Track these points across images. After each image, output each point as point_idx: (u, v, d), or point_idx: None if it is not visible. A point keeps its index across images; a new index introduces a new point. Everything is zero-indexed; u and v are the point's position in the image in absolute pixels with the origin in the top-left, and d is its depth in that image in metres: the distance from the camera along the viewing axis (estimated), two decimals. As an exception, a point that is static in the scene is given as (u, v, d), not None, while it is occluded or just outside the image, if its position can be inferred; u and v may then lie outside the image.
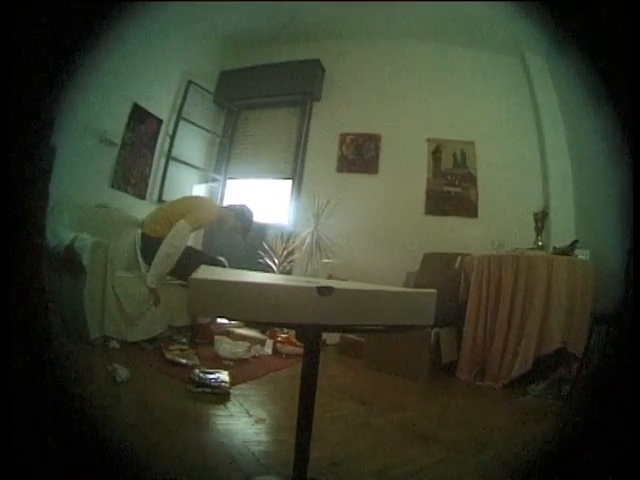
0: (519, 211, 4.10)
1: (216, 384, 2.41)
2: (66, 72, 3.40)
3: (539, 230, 3.78)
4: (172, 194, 5.27)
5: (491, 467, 1.64)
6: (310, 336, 1.24)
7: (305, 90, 5.45)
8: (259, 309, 0.92)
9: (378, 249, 4.77)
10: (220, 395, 2.35)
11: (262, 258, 4.82)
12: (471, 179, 4.80)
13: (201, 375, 2.48)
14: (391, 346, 3.40)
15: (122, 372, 2.34)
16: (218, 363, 2.98)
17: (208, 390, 2.36)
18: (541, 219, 3.79)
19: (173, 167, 5.37)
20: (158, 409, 2.07)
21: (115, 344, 3.04)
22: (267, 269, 4.75)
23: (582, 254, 3.44)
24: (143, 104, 4.79)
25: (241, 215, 3.99)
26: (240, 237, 4.12)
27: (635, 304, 1.10)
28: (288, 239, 4.89)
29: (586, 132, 3.84)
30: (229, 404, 2.27)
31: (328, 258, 4.66)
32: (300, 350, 3.53)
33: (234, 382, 2.55)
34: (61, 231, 3.33)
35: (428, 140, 4.95)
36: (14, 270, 2.23)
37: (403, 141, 5.07)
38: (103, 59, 4.02)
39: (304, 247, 4.81)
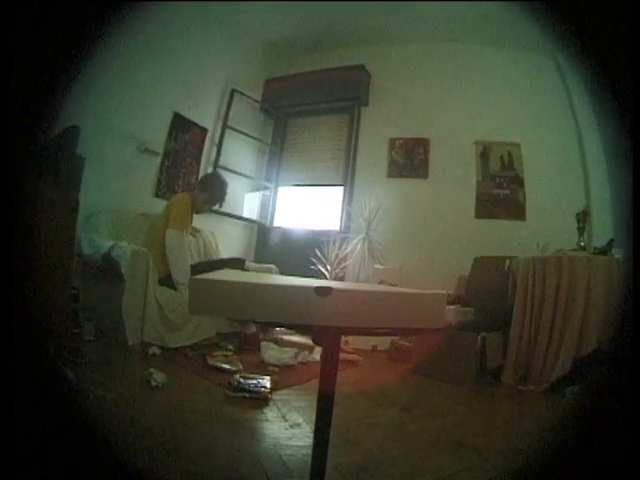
0: (565, 212, 3.96)
1: (255, 389, 2.40)
2: (97, 83, 3.49)
3: (581, 230, 3.68)
4: (227, 203, 5.36)
5: (518, 473, 1.56)
6: (328, 339, 1.21)
7: (352, 96, 5.41)
8: (257, 309, 0.91)
9: (429, 254, 4.69)
10: (258, 400, 2.33)
11: (314, 265, 4.80)
12: (518, 181, 4.70)
13: (241, 380, 2.47)
14: (437, 351, 3.33)
15: (158, 376, 2.36)
16: (262, 369, 2.96)
17: (247, 395, 2.36)
18: (582, 219, 3.69)
19: (225, 176, 5.37)
20: (190, 411, 2.09)
21: (155, 350, 3.07)
22: (319, 276, 4.75)
23: (618, 253, 3.30)
24: (185, 113, 4.84)
25: (207, 186, 4.01)
26: (218, 206, 4.16)
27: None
28: (340, 245, 4.87)
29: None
30: (266, 409, 2.25)
31: (380, 264, 4.62)
32: (349, 356, 3.55)
33: (275, 387, 2.54)
34: (97, 240, 3.38)
35: (476, 143, 4.87)
36: (38, 279, 2.31)
37: (451, 144, 4.98)
38: (140, 69, 4.13)
39: (355, 253, 4.77)
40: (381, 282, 4.20)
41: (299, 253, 4.95)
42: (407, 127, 5.21)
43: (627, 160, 0.97)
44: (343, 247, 4.85)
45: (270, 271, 4.36)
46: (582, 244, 3.65)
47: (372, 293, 0.92)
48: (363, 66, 5.35)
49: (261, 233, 5.92)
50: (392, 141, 5.27)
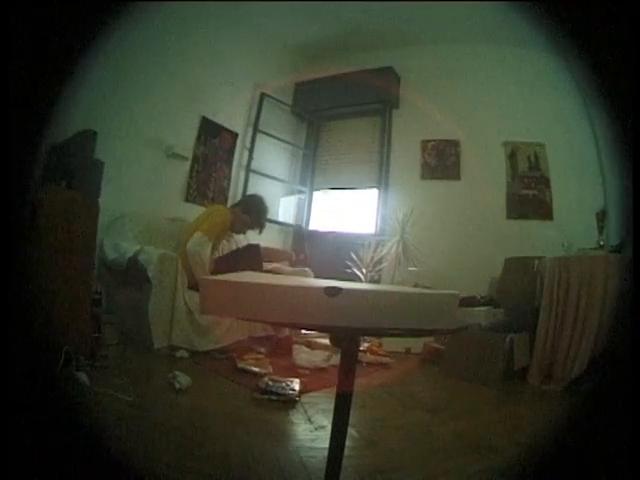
0: (589, 211, 3.90)
1: (282, 391, 2.39)
2: (122, 87, 3.52)
3: (600, 229, 3.71)
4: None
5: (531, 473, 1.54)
6: (345, 341, 1.21)
7: (382, 98, 5.41)
8: (266, 309, 0.91)
9: (463, 255, 4.66)
10: (286, 402, 2.33)
11: (350, 268, 4.80)
12: (545, 181, 4.68)
13: (269, 382, 2.47)
14: (466, 353, 3.35)
15: (182, 379, 2.36)
16: (293, 372, 2.96)
17: (274, 397, 2.35)
18: (602, 218, 3.70)
19: (255, 180, 5.43)
20: (213, 414, 2.10)
21: (183, 353, 3.09)
22: (355, 279, 4.74)
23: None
24: (213, 118, 4.87)
25: (251, 209, 3.97)
26: (258, 233, 4.10)
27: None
28: (375, 248, 4.85)
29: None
30: (293, 411, 2.25)
31: (414, 266, 4.60)
32: (381, 359, 3.54)
33: (305, 390, 2.53)
34: (122, 244, 3.41)
35: (504, 144, 4.85)
36: (55, 283, 2.36)
37: (481, 145, 4.96)
38: (166, 74, 4.17)
39: (390, 256, 4.75)
40: (415, 285, 4.20)
41: (334, 256, 4.93)
42: (438, 129, 5.16)
43: (627, 159, 0.94)
44: (378, 250, 4.83)
45: (305, 274, 4.36)
46: (601, 243, 3.67)
47: (382, 293, 0.90)
48: (391, 68, 5.35)
49: (296, 236, 5.87)
50: (424, 143, 5.26)
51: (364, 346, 3.69)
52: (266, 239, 5.21)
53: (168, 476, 1.41)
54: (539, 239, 4.34)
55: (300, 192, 6.01)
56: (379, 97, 5.41)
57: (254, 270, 3.85)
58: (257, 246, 3.99)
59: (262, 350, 3.46)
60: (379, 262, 4.80)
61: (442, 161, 5.12)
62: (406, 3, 4.45)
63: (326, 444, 1.80)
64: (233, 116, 5.15)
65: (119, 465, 1.18)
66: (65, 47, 1.20)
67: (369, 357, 3.56)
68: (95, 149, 2.98)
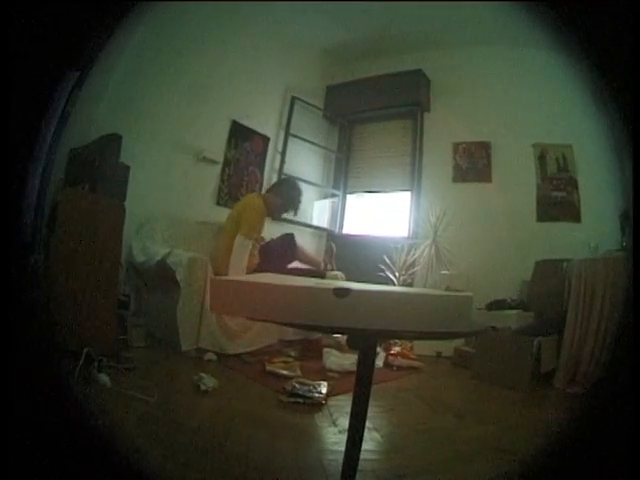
0: (614, 213, 3.82)
1: (309, 394, 2.38)
2: (149, 91, 3.54)
3: (622, 230, 3.62)
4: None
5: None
6: (363, 344, 1.19)
7: (413, 101, 5.36)
8: (275, 309, 0.90)
9: (494, 258, 4.58)
10: (312, 405, 2.32)
11: (383, 272, 4.79)
12: (573, 183, 4.60)
13: (296, 385, 2.46)
14: (495, 357, 3.32)
15: (208, 381, 2.37)
16: (322, 375, 2.95)
17: (300, 400, 2.34)
18: (623, 220, 3.61)
19: (288, 184, 5.45)
20: (237, 416, 2.11)
21: (211, 356, 3.09)
22: (388, 282, 4.73)
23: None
24: (244, 122, 4.88)
25: (282, 191, 4.02)
26: (293, 214, 4.17)
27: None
28: (408, 252, 4.82)
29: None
30: (318, 414, 2.24)
31: (446, 269, 4.57)
32: (412, 362, 3.52)
33: (332, 393, 2.51)
34: (151, 247, 3.45)
35: (533, 145, 4.76)
36: (79, 286, 2.38)
37: (511, 147, 4.88)
38: (194, 78, 4.19)
39: (423, 259, 4.73)
40: (447, 288, 4.21)
41: (368, 260, 4.92)
42: (468, 131, 5.12)
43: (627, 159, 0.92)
44: (411, 253, 4.81)
45: (336, 278, 4.35)
46: (624, 244, 3.60)
47: (393, 294, 0.88)
48: (421, 71, 5.30)
49: (330, 240, 5.88)
50: (455, 145, 5.19)
51: (395, 350, 3.66)
52: (303, 242, 5.23)
53: (184, 476, 1.42)
54: (569, 241, 4.27)
55: (334, 196, 5.99)
56: (410, 100, 5.36)
57: (290, 258, 3.97)
58: (292, 235, 4.12)
59: (292, 353, 3.48)
60: (412, 265, 4.78)
61: (473, 163, 5.06)
62: (434, 5, 4.41)
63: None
64: (264, 119, 5.16)
65: (133, 464, 1.18)
66: (84, 51, 1.21)
67: (400, 361, 3.54)
68: (123, 153, 3.03)
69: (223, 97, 4.62)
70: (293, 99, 5.40)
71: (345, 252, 5.31)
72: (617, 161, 4.16)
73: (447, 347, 4.00)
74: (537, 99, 4.76)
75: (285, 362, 3.12)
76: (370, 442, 1.90)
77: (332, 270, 4.55)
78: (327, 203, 6.00)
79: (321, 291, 0.87)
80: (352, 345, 1.19)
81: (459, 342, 3.93)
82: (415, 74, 5.29)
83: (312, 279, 1.14)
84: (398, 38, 5.24)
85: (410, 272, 4.76)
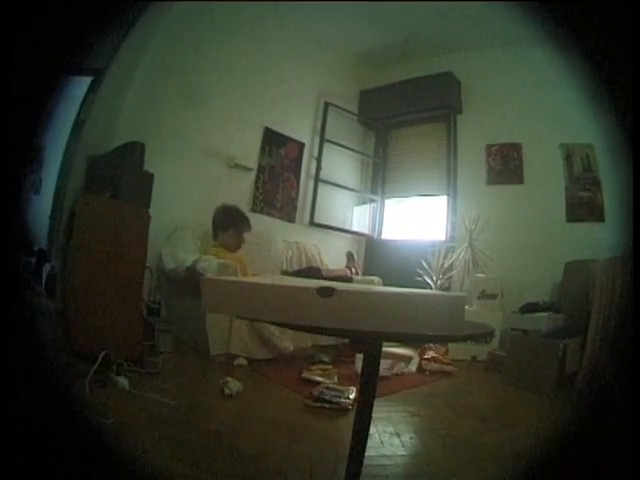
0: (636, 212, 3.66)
1: (336, 400, 2.37)
2: (179, 99, 3.57)
3: None
4: (329, 216, 5.47)
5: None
6: (366, 347, 1.18)
7: (445, 104, 5.33)
8: (262, 308, 0.91)
9: (528, 260, 4.51)
10: (338, 410, 2.31)
11: (420, 276, 4.77)
12: (597, 182, 4.51)
13: (323, 390, 2.47)
14: (523, 360, 3.27)
15: (233, 385, 2.39)
16: (354, 381, 2.87)
17: (326, 405, 2.34)
18: None
19: (327, 190, 5.47)
20: (258, 420, 2.11)
21: (242, 361, 3.10)
22: (425, 287, 4.70)
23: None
24: (278, 128, 4.91)
25: (221, 225, 3.70)
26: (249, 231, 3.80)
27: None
28: (445, 255, 4.80)
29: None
30: (342, 419, 2.23)
31: (482, 273, 4.52)
32: (444, 367, 3.49)
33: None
34: (181, 254, 3.47)
35: (560, 146, 4.68)
36: (102, 291, 2.42)
37: (540, 148, 4.81)
38: (225, 86, 4.22)
39: (458, 263, 4.72)
40: (482, 292, 4.25)
41: (406, 264, 4.91)
42: (500, 133, 5.07)
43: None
44: (448, 257, 4.78)
45: (373, 283, 4.32)
46: None
47: (378, 294, 0.86)
48: (451, 73, 5.26)
49: (369, 246, 5.93)
50: (488, 147, 5.13)
51: (429, 355, 3.63)
52: (338, 248, 5.23)
53: (189, 475, 1.44)
54: (596, 242, 4.13)
55: (372, 201, 5.98)
56: (442, 102, 5.33)
57: None
58: (318, 269, 4.15)
59: (326, 359, 3.44)
60: (449, 269, 4.76)
61: (506, 165, 5.00)
62: (463, 5, 4.36)
63: (366, 452, 1.79)
64: (298, 126, 5.18)
65: (135, 463, 1.20)
66: (96, 55, 1.23)
67: (433, 365, 3.51)
68: (151, 161, 3.08)
69: (255, 104, 4.67)
70: (326, 105, 5.41)
71: (384, 257, 5.28)
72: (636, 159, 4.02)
73: (482, 351, 3.95)
74: (562, 98, 4.67)
75: (323, 369, 3.11)
76: (389, 447, 1.89)
77: (357, 274, 4.52)
78: (366, 209, 5.99)
79: (306, 290, 0.87)
80: (354, 348, 1.17)
81: (493, 346, 3.90)
82: (445, 76, 5.26)
83: (303, 279, 1.12)
84: (428, 41, 5.20)
85: (447, 276, 4.74)
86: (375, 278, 4.55)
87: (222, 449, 1.72)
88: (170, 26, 3.74)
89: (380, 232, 5.95)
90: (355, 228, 5.86)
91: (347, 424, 2.14)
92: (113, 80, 3.42)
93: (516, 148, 4.98)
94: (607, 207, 4.42)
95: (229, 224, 3.62)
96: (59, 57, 1.09)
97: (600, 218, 4.43)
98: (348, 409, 2.32)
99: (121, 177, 2.73)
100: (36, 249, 3.47)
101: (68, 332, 2.47)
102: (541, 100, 4.78)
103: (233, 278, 0.97)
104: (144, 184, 2.83)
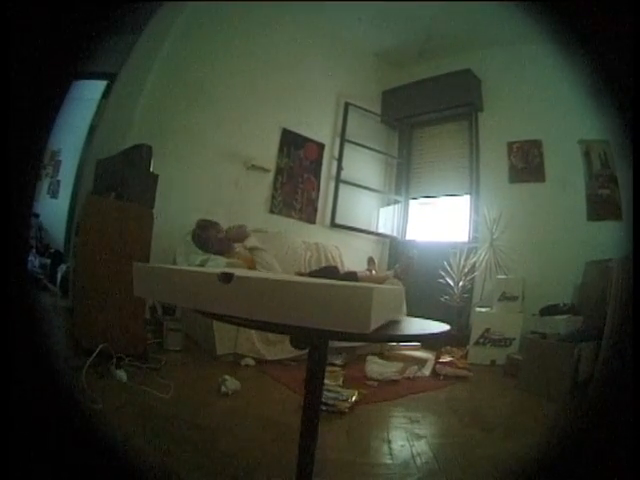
0: None
1: (332, 402, 2.33)
2: (195, 99, 3.58)
3: None
4: (353, 218, 5.43)
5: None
6: (310, 343, 1.12)
7: (466, 101, 5.23)
8: (173, 293, 0.95)
9: (549, 261, 4.38)
10: (333, 413, 2.27)
11: (442, 278, 4.73)
12: (614, 179, 4.35)
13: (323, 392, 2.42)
14: (538, 365, 3.16)
15: (230, 384, 2.39)
16: (360, 383, 2.88)
17: (323, 407, 2.29)
18: None
19: (349, 190, 5.43)
20: (246, 417, 2.13)
21: (249, 361, 3.10)
22: (447, 289, 4.71)
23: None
24: (296, 129, 4.89)
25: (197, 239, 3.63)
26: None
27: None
28: (467, 256, 4.73)
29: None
30: (335, 421, 2.19)
31: (504, 274, 4.42)
32: (461, 372, 3.40)
33: (363, 402, 2.47)
34: (193, 255, 3.46)
35: (579, 142, 4.52)
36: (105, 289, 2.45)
37: (561, 144, 4.67)
38: (242, 87, 4.22)
39: (478, 263, 4.65)
40: (503, 293, 4.16)
41: (429, 265, 4.86)
42: (520, 129, 4.95)
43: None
44: (470, 258, 4.72)
45: (388, 279, 4.29)
46: None
47: (275, 283, 0.81)
48: (470, 70, 5.15)
49: (393, 247, 5.87)
50: (510, 145, 5.01)
51: (446, 358, 3.55)
52: (361, 249, 5.18)
53: (161, 463, 1.48)
54: (616, 241, 3.95)
55: (396, 202, 5.90)
56: (463, 100, 5.24)
57: None
58: (335, 268, 4.11)
59: (338, 361, 3.40)
60: (471, 271, 4.69)
61: (528, 163, 4.89)
62: (480, 4, 4.26)
63: (349, 456, 1.75)
64: (318, 127, 5.16)
65: (120, 452, 1.24)
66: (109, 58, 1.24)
67: (447, 369, 3.42)
68: (164, 163, 3.11)
69: (273, 105, 4.66)
70: (347, 105, 5.37)
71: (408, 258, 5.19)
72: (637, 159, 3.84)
73: (502, 355, 3.85)
74: (579, 94, 4.51)
75: (331, 371, 3.06)
76: (374, 454, 1.86)
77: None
78: (392, 210, 5.92)
79: (208, 276, 0.86)
80: (295, 345, 1.11)
81: (512, 349, 3.82)
82: (465, 74, 5.16)
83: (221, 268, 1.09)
84: (448, 38, 5.12)
85: (469, 278, 4.67)
86: (390, 272, 4.52)
87: (201, 443, 1.73)
88: (184, 28, 3.77)
89: (404, 233, 5.88)
90: (381, 230, 5.81)
91: (337, 426, 2.11)
92: (126, 84, 3.48)
93: (537, 145, 4.85)
94: (623, 205, 4.25)
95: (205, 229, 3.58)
96: (70, 60, 1.10)
97: (619, 216, 4.25)
98: (344, 412, 2.28)
99: (126, 178, 2.77)
100: (52, 251, 3.57)
101: (74, 328, 2.55)
102: (559, 95, 4.62)
103: (157, 265, 0.96)
104: (149, 185, 2.87)
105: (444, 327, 1.10)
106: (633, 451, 0.98)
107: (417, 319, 1.20)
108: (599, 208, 4.41)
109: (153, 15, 3.41)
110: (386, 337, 1.06)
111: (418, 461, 1.80)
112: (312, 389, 1.19)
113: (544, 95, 4.78)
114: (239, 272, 0.84)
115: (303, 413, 1.22)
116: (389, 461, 1.79)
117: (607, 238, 4.06)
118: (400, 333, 0.98)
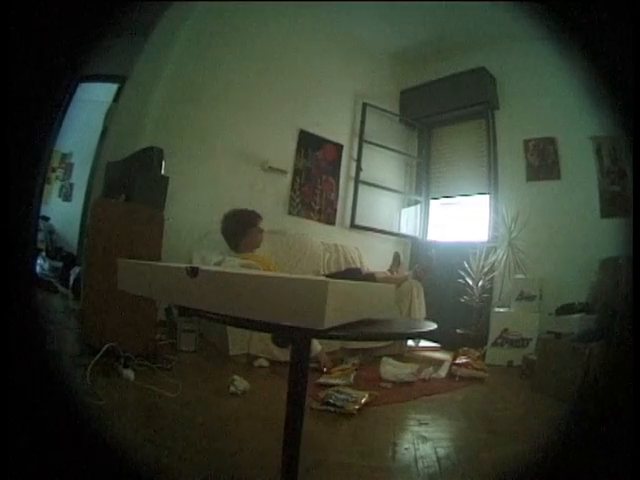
0: None
1: (341, 403, 2.32)
2: (210, 100, 3.59)
3: None
4: (374, 219, 5.42)
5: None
6: (294, 340, 1.12)
7: (482, 100, 5.17)
8: (152, 288, 0.98)
9: (566, 259, 4.32)
10: (342, 415, 2.26)
11: (462, 278, 4.73)
12: (624, 176, 4.15)
13: (331, 394, 2.42)
14: (551, 366, 3.13)
15: (239, 384, 2.40)
16: (373, 384, 2.87)
17: (331, 409, 2.30)
18: None
19: (369, 191, 5.41)
20: (252, 417, 2.13)
21: (263, 362, 3.09)
22: (467, 289, 4.69)
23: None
24: (314, 130, 4.87)
25: (229, 232, 3.68)
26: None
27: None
28: (486, 256, 4.70)
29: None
30: (342, 423, 2.18)
31: (522, 273, 4.40)
32: (477, 373, 3.38)
33: (373, 404, 2.45)
34: (209, 256, 3.47)
35: (590, 138, 4.44)
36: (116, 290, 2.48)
37: (574, 141, 4.59)
38: (259, 88, 4.22)
39: (497, 263, 4.60)
40: (521, 293, 4.17)
41: (449, 266, 4.85)
42: (536, 127, 4.88)
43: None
44: (489, 258, 4.68)
45: (405, 278, 4.28)
46: None
47: (236, 276, 0.81)
48: (484, 68, 5.10)
49: (414, 247, 5.85)
50: (526, 143, 4.95)
51: (462, 359, 3.52)
52: (381, 251, 5.15)
53: (158, 457, 1.49)
54: (629, 237, 3.83)
55: (417, 202, 5.87)
56: (479, 98, 5.18)
57: None
58: (358, 270, 4.10)
59: (352, 363, 3.40)
60: (490, 270, 4.66)
61: (544, 160, 4.82)
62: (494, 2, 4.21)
63: (349, 458, 1.74)
64: (335, 127, 5.13)
65: (116, 441, 1.26)
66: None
67: (463, 371, 3.38)
68: (183, 166, 3.12)
69: (290, 107, 4.66)
70: (364, 105, 5.34)
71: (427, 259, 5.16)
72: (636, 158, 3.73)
73: (519, 356, 3.81)
74: (588, 90, 4.40)
75: (342, 370, 3.09)
76: (378, 457, 1.83)
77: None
78: (413, 210, 5.89)
79: (177, 270, 0.88)
80: (276, 342, 1.11)
81: (529, 350, 3.78)
82: (479, 72, 5.11)
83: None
84: (461, 36, 5.08)
85: (488, 277, 4.64)
86: (409, 273, 4.44)
87: (202, 441, 1.73)
88: (196, 28, 3.79)
89: (426, 234, 5.85)
90: (403, 230, 5.78)
91: (344, 428, 2.10)
92: (137, 86, 3.51)
93: (552, 142, 4.79)
94: (630, 201, 4.13)
95: (247, 225, 3.62)
96: (74, 60, 1.11)
97: (628, 212, 4.13)
98: (352, 414, 2.27)
99: (136, 180, 2.80)
100: (64, 254, 3.63)
101: (83, 328, 2.61)
102: (572, 92, 4.55)
103: (137, 261, 0.99)
104: (159, 187, 2.90)
105: (430, 325, 1.09)
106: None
107: (405, 319, 1.20)
108: (611, 205, 4.35)
109: (163, 16, 3.43)
110: (352, 335, 1.03)
111: (420, 464, 1.78)
112: (295, 386, 1.17)
113: (557, 92, 4.68)
114: (204, 266, 0.85)
115: (287, 411, 1.20)
116: (390, 464, 1.78)
117: (619, 235, 3.99)
118: (374, 331, 0.96)
